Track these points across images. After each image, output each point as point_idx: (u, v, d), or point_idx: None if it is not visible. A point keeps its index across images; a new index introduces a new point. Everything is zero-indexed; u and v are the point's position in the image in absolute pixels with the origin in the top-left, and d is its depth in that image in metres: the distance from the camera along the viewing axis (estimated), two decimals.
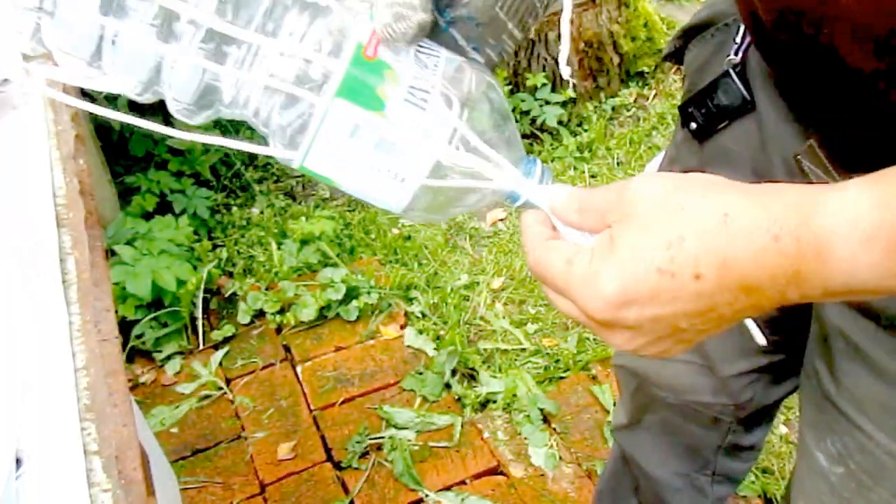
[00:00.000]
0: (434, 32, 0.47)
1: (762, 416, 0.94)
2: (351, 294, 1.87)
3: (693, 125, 0.70)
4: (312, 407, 1.66)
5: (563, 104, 2.51)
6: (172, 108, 0.45)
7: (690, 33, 0.75)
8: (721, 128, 0.69)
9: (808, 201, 0.37)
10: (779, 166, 0.63)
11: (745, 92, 0.65)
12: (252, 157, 2.36)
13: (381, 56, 0.43)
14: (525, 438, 1.60)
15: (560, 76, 2.48)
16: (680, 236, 0.37)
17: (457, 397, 1.68)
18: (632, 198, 0.40)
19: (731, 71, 0.66)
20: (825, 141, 0.55)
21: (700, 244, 0.37)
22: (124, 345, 1.75)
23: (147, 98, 0.46)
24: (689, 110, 0.70)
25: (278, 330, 1.84)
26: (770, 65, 0.62)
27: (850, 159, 0.52)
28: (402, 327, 1.85)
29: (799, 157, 0.57)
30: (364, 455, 1.56)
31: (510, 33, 0.48)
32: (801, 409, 0.75)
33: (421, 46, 0.46)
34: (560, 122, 2.49)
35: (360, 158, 0.43)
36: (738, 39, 0.67)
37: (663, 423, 0.98)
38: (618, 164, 2.43)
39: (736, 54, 0.67)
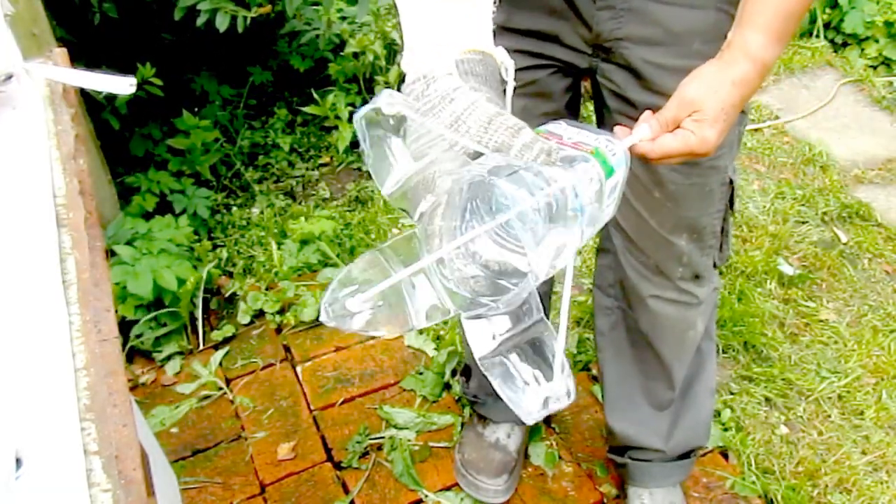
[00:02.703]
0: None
1: None
2: None
3: None
4: (312, 407, 1.66)
5: None
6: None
7: None
8: None
9: (747, 56, 0.81)
10: None
11: None
12: (252, 157, 2.36)
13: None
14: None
15: None
16: (726, 101, 0.79)
17: (457, 397, 1.68)
18: (692, 98, 0.79)
19: None
20: None
21: (732, 102, 0.80)
22: (124, 345, 1.75)
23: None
24: None
25: (278, 330, 1.85)
26: None
27: None
28: None
29: None
30: (364, 455, 1.56)
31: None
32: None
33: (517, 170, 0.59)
34: None
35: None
36: None
37: None
38: None
39: None
